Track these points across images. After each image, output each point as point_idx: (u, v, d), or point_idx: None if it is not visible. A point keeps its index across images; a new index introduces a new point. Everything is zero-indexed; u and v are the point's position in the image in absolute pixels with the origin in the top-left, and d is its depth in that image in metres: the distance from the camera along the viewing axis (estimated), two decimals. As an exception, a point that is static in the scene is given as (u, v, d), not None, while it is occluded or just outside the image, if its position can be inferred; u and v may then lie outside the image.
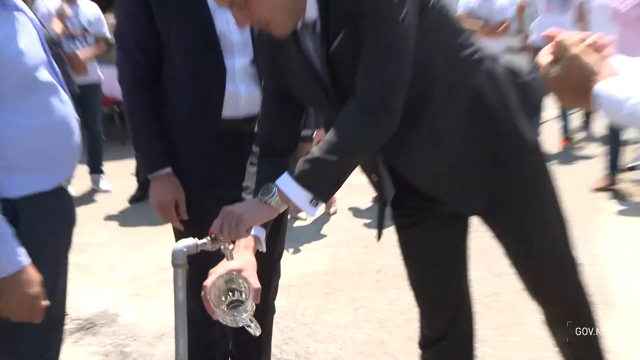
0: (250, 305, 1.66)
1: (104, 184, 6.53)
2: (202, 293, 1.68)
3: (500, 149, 1.76)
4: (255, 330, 1.69)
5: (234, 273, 1.66)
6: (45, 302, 1.66)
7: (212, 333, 2.41)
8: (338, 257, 4.53)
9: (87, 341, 3.42)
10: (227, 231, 1.65)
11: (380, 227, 2.00)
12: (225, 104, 2.19)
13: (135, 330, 3.53)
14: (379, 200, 1.96)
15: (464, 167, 1.76)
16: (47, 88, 1.75)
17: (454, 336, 2.05)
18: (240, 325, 1.67)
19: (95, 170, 6.53)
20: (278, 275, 2.57)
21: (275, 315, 2.65)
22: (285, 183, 1.64)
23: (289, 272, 4.18)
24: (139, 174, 6.15)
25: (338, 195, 5.66)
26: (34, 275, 1.64)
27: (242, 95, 2.21)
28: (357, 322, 3.53)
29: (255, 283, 1.69)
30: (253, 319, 1.68)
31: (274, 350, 3.11)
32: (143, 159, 2.30)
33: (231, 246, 1.70)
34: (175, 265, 1.67)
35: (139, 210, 5.85)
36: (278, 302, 2.67)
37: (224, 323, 1.69)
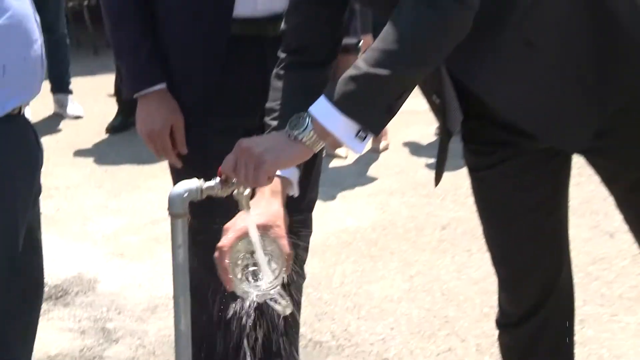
0: (280, 276, 1.69)
1: (72, 107, 6.60)
2: (216, 255, 1.71)
3: (621, 61, 1.74)
4: (285, 307, 1.72)
5: (259, 231, 1.69)
6: None
7: (223, 306, 2.47)
8: (389, 208, 4.56)
9: (57, 314, 3.53)
10: (242, 174, 1.67)
11: (439, 168, 2.01)
12: None
13: (119, 302, 3.63)
14: (441, 132, 1.95)
15: (564, 84, 1.75)
16: None
17: (545, 314, 2.07)
18: (264, 300, 1.70)
19: (61, 88, 6.60)
20: (309, 232, 2.60)
21: (305, 284, 2.70)
22: (322, 110, 1.63)
23: (323, 228, 4.23)
24: (119, 92, 6.20)
25: (390, 125, 5.66)
26: None
27: None
28: (413, 294, 3.58)
29: (286, 245, 1.72)
30: (283, 293, 1.71)
31: (303, 329, 3.18)
32: (126, 71, 2.31)
33: (247, 191, 1.72)
34: (173, 215, 1.70)
35: (120, 142, 5.93)
36: (309, 267, 2.72)
37: (244, 297, 1.72)
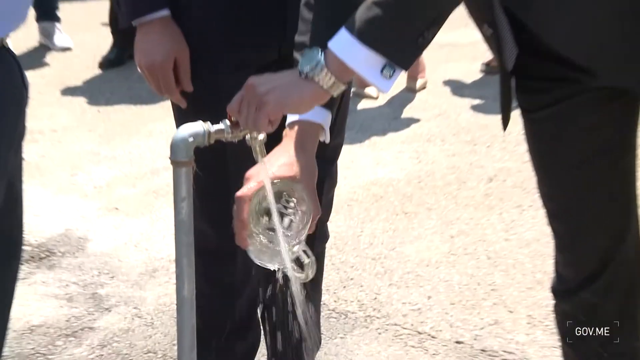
0: (303, 235, 1.69)
1: (60, 37, 6.61)
2: (236, 208, 1.71)
3: None
4: (308, 270, 1.73)
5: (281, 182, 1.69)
6: None
7: (233, 270, 2.48)
8: (426, 157, 4.55)
9: (40, 278, 3.56)
10: (244, 115, 1.66)
11: (505, 110, 2.00)
12: None
13: (113, 264, 3.65)
14: (501, 67, 1.94)
15: (629, 14, 1.73)
16: None
17: (608, 280, 2.06)
18: (284, 265, 1.70)
19: (47, 15, 6.61)
20: (333, 183, 2.60)
21: (328, 245, 2.70)
22: (342, 43, 1.62)
23: (350, 180, 4.23)
24: (115, 21, 6.20)
25: (428, 60, 5.64)
26: None
27: None
28: (454, 258, 3.58)
29: (315, 200, 1.72)
30: (309, 254, 1.70)
31: (326, 297, 3.20)
32: None
33: (261, 136, 1.72)
34: (176, 163, 1.70)
35: (115, 79, 5.94)
36: (333, 225, 2.72)
37: (259, 262, 1.73)
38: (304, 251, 1.72)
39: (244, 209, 1.69)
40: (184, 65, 2.30)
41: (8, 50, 1.91)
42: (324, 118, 1.80)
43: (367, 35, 1.60)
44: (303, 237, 1.71)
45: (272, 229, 1.70)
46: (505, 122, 2.04)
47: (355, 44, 1.60)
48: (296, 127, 1.77)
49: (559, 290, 2.17)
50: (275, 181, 1.70)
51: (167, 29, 2.28)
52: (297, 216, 1.70)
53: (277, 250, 1.69)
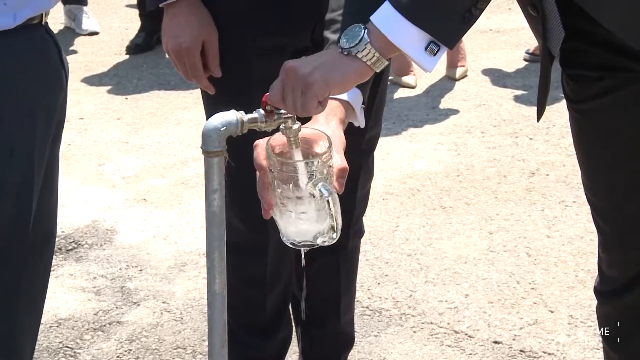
0: (328, 199, 1.70)
1: (87, 21, 6.64)
2: (256, 161, 1.73)
3: None
4: (330, 234, 1.73)
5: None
6: None
7: (264, 265, 2.49)
8: (466, 150, 4.54)
9: (67, 271, 3.60)
10: (290, 101, 1.67)
11: (541, 98, 1.99)
12: None
13: (141, 257, 3.68)
14: (542, 53, 1.93)
15: None
16: None
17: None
18: (311, 235, 1.73)
19: (73, -2, 6.63)
20: (370, 176, 2.60)
21: (362, 240, 2.71)
22: (386, 18, 1.62)
23: (386, 172, 4.23)
24: (142, 3, 6.22)
25: (469, 47, 5.62)
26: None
27: None
28: (492, 254, 3.58)
29: (342, 161, 1.72)
30: (336, 219, 1.71)
31: (360, 293, 3.20)
32: None
33: (297, 125, 1.73)
34: (207, 153, 1.71)
35: (143, 65, 5.96)
36: (368, 220, 2.72)
37: (283, 232, 1.75)
38: (335, 219, 1.70)
39: (266, 164, 1.70)
40: (212, 49, 2.30)
41: (47, 29, 1.93)
42: (352, 97, 1.80)
43: (412, 11, 1.60)
44: (328, 199, 1.69)
45: (299, 197, 1.70)
46: (540, 112, 2.02)
47: (399, 19, 1.61)
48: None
49: (602, 291, 2.15)
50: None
51: (195, 10, 2.27)
52: (320, 180, 1.68)
53: (307, 218, 1.70)
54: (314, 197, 1.68)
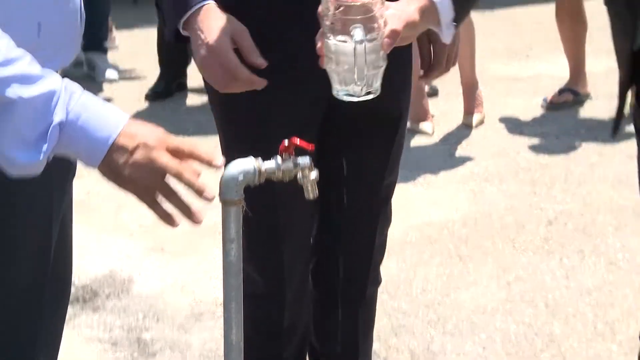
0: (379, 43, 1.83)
1: (106, 69, 6.65)
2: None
3: None
4: (355, 87, 1.84)
5: None
6: None
7: (281, 316, 2.48)
8: (483, 198, 4.53)
9: (84, 321, 3.59)
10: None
11: (618, 115, 2.00)
12: None
13: (158, 307, 3.68)
14: (620, 59, 1.92)
15: None
16: None
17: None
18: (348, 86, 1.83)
19: (94, 46, 6.66)
20: (387, 223, 2.60)
21: (379, 289, 2.70)
22: None
23: (403, 220, 4.22)
24: (162, 50, 6.24)
25: (486, 94, 5.63)
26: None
27: None
28: (510, 305, 3.56)
29: (395, 26, 1.86)
30: (362, 70, 1.81)
31: (377, 344, 3.18)
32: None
33: (314, 174, 1.73)
34: (225, 202, 1.71)
35: (162, 112, 5.96)
36: (385, 268, 2.71)
37: (332, 84, 1.85)
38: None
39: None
40: (246, 40, 2.20)
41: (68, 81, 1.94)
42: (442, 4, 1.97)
43: None
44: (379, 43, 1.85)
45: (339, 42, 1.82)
46: (615, 129, 2.03)
47: None
48: None
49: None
50: None
51: (215, 14, 2.20)
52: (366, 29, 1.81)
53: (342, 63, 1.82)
54: (346, 42, 1.81)
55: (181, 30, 2.21)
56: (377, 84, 1.88)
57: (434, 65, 2.44)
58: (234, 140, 2.35)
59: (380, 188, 2.50)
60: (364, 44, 1.79)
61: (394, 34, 1.86)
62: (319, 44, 1.85)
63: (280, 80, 2.24)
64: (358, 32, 1.80)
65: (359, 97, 1.87)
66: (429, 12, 1.96)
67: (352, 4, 1.79)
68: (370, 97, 1.88)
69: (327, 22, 1.82)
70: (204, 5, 2.18)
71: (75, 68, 6.65)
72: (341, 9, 1.79)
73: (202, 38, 2.16)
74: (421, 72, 2.47)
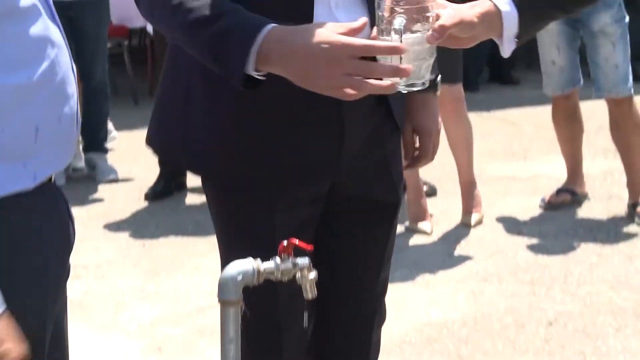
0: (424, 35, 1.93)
1: (107, 170, 6.70)
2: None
3: None
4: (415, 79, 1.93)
5: None
6: None
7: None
8: (483, 298, 4.51)
9: (79, 420, 3.54)
10: None
11: None
12: None
13: (155, 406, 3.63)
14: None
15: None
16: (28, 18, 1.79)
17: None
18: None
19: (95, 146, 6.71)
20: (382, 319, 2.59)
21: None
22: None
23: (402, 320, 4.19)
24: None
25: (484, 194, 5.64)
26: (5, 327, 1.70)
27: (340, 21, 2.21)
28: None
29: (444, 21, 1.95)
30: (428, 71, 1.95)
31: None
32: (231, 45, 2.00)
33: (313, 274, 1.73)
34: (224, 302, 1.71)
35: (161, 211, 5.99)
36: (384, 369, 2.69)
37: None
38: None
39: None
40: (355, 31, 2.00)
41: (55, 186, 1.94)
42: (508, 17, 2.05)
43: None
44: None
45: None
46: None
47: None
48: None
49: None
50: None
51: (286, 27, 2.01)
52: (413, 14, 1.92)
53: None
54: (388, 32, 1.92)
55: (251, 69, 1.99)
56: (423, 75, 1.97)
57: (421, 155, 2.50)
58: (232, 240, 2.35)
59: (376, 284, 2.50)
60: (403, 33, 1.91)
61: (441, 28, 1.94)
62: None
63: (282, 178, 2.26)
64: (398, 21, 1.91)
65: (402, 86, 1.95)
66: (491, 19, 2.05)
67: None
68: (415, 89, 1.97)
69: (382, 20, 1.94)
70: (271, 26, 1.99)
71: (75, 172, 6.70)
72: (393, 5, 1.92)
73: (300, 47, 1.94)
74: (404, 163, 2.50)
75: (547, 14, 2.16)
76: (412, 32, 1.91)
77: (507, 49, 2.09)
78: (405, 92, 1.98)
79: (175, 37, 2.15)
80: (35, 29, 1.81)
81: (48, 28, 1.85)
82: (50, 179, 1.90)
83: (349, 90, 1.91)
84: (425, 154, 2.50)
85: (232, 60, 1.98)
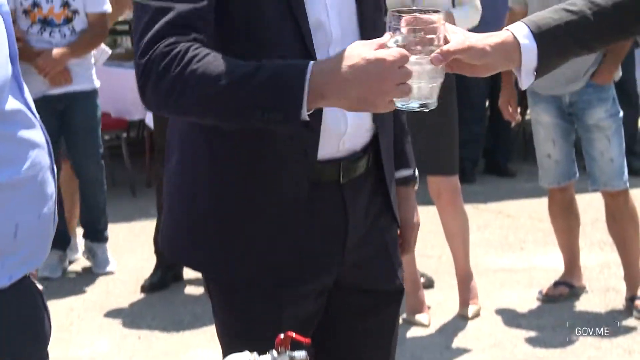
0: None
1: (106, 261, 6.66)
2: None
3: None
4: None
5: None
6: None
7: None
8: (481, 390, 4.47)
9: None
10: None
11: None
12: (324, 135, 2.23)
13: None
14: None
15: None
16: (12, 121, 1.81)
17: None
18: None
19: (95, 237, 6.69)
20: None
21: None
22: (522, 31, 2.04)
23: (399, 414, 4.15)
24: (157, 241, 6.27)
25: (481, 286, 5.63)
26: None
27: (348, 119, 2.27)
28: None
29: (449, 45, 1.97)
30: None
31: None
32: (273, 95, 2.01)
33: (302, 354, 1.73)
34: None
35: (158, 303, 5.95)
36: None
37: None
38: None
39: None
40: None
41: (28, 279, 1.93)
42: (527, 50, 2.06)
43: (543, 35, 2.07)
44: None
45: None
46: None
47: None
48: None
49: None
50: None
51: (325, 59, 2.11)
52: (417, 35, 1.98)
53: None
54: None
55: (305, 110, 2.00)
56: (426, 96, 2.01)
57: (404, 248, 2.54)
58: (238, 336, 2.33)
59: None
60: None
61: (444, 52, 1.98)
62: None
63: (289, 276, 2.26)
64: (395, 38, 1.99)
65: (416, 104, 2.01)
66: (508, 50, 2.07)
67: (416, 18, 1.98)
68: (426, 109, 2.02)
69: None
70: (312, 62, 2.03)
71: (71, 264, 6.69)
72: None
73: (349, 72, 1.97)
74: None
75: (568, 51, 2.16)
76: (417, 52, 1.98)
77: (525, 82, 2.11)
78: (418, 110, 2.03)
79: (207, 108, 2.07)
80: (19, 130, 1.83)
81: (30, 129, 1.86)
82: (25, 277, 1.90)
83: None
84: (408, 246, 2.54)
85: (285, 105, 1.99)
